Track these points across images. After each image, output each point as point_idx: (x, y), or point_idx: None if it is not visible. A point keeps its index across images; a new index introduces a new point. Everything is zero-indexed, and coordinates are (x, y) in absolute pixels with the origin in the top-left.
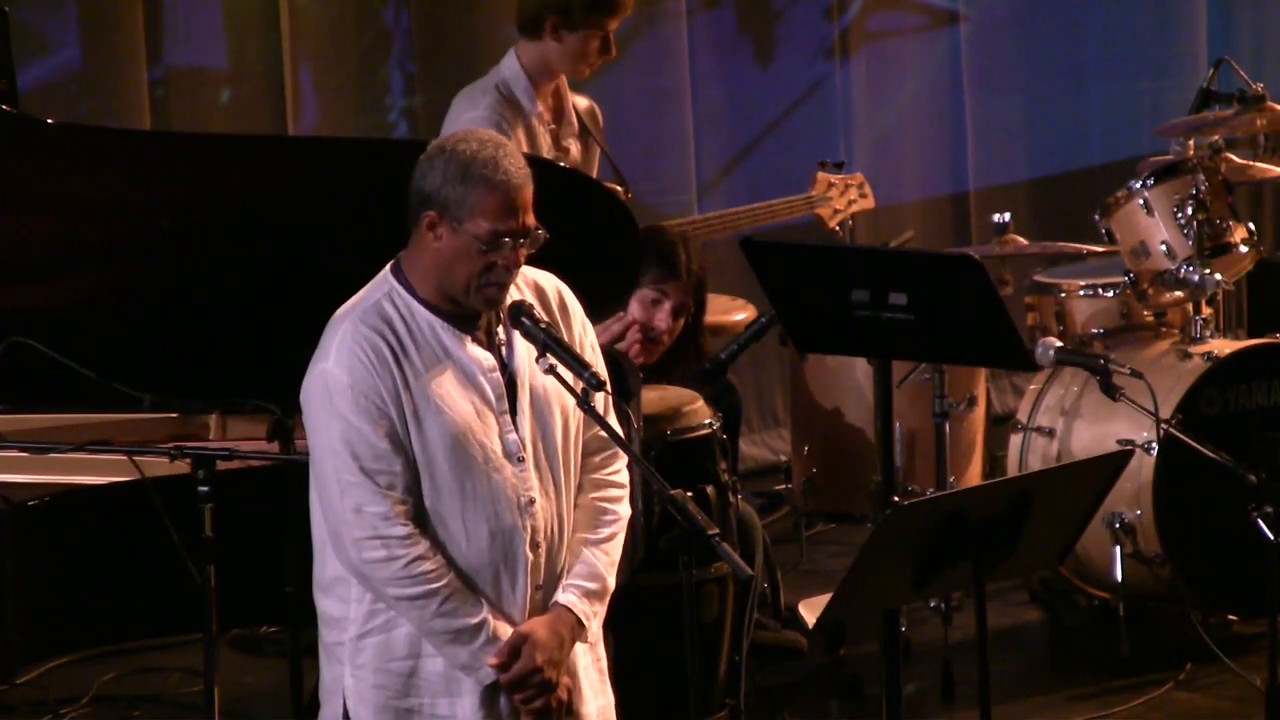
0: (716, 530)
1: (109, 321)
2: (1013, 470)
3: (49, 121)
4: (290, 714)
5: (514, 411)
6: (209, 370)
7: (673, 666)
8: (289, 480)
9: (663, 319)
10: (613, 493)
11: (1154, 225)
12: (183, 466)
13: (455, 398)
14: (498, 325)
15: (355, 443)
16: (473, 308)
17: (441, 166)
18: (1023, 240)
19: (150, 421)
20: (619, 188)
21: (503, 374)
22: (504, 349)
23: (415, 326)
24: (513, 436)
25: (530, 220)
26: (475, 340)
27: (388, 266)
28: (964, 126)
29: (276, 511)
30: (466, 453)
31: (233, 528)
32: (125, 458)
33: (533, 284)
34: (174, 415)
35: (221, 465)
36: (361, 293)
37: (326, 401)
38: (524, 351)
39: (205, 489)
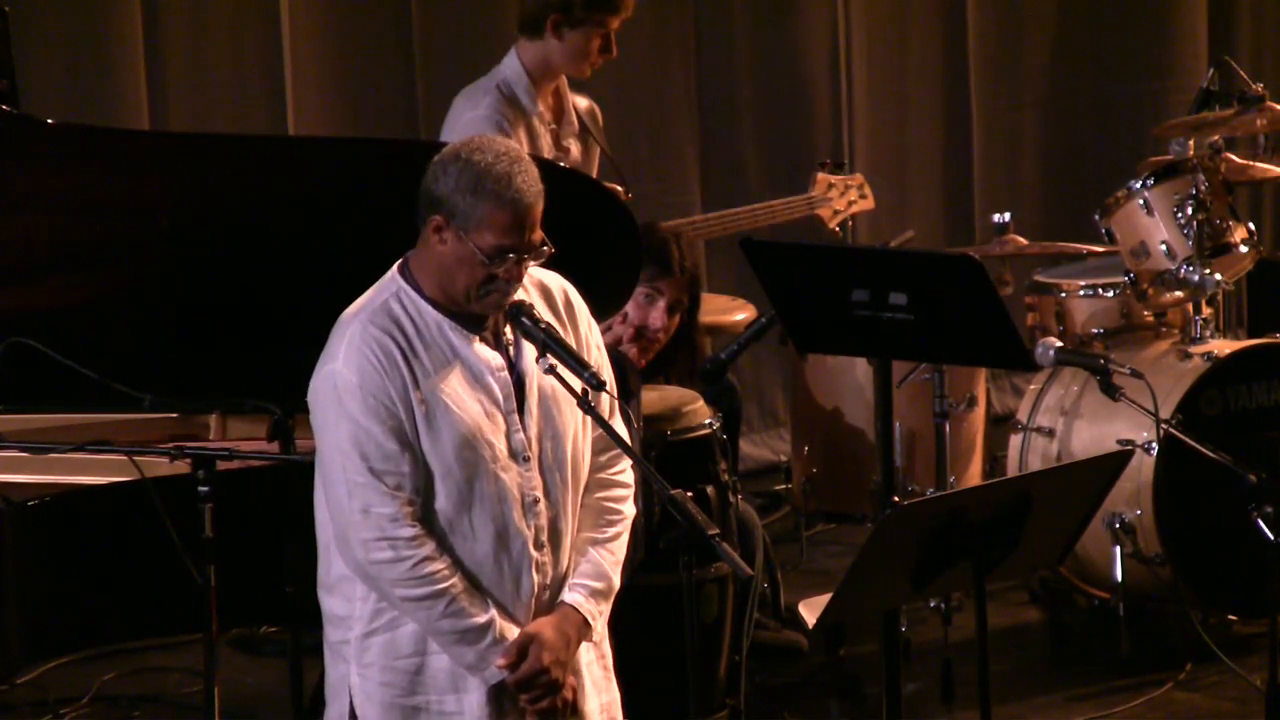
0: (716, 530)
1: (109, 321)
2: (1013, 470)
3: (49, 121)
4: (290, 714)
5: (521, 411)
6: (209, 370)
7: (673, 666)
8: (289, 480)
9: (657, 317)
10: (618, 492)
11: (1154, 225)
12: (183, 466)
13: (464, 398)
14: (505, 325)
15: (364, 443)
16: (474, 311)
17: (455, 173)
18: (1023, 240)
19: (150, 421)
20: (619, 188)
21: (511, 374)
22: (512, 349)
23: (424, 326)
24: (519, 436)
25: (536, 237)
26: (483, 340)
27: (395, 266)
28: (970, 125)
29: (276, 511)
30: (475, 452)
31: (233, 528)
32: (125, 458)
33: (538, 284)
34: (174, 415)
35: (221, 465)
36: (369, 293)
37: (335, 402)
38: (532, 352)
39: (205, 489)
